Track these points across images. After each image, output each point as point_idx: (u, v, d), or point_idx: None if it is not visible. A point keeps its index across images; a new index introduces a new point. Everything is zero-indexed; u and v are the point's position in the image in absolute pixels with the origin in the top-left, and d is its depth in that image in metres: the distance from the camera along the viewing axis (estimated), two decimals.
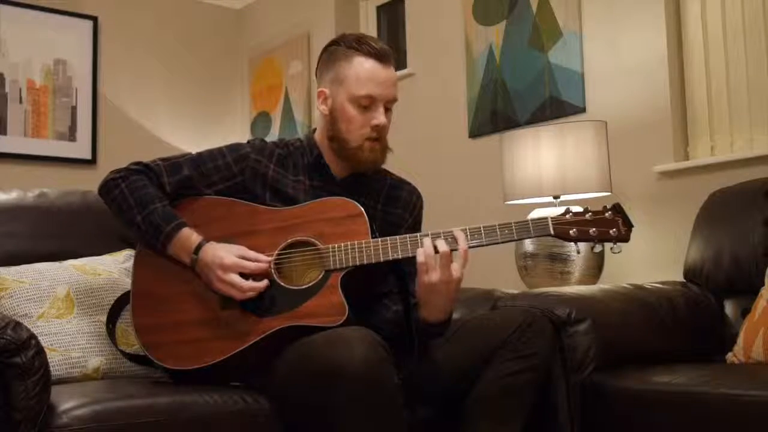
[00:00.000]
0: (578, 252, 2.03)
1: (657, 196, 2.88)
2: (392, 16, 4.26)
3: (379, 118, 1.81)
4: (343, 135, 1.83)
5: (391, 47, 1.88)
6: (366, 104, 1.81)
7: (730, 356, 2.06)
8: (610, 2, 3.07)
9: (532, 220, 1.73)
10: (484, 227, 1.72)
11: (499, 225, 1.71)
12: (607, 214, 1.74)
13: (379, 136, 1.83)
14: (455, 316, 1.89)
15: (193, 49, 4.87)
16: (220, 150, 1.89)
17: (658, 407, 1.78)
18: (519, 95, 3.35)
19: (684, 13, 2.91)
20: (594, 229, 1.73)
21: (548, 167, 2.69)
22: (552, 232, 1.72)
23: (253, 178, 1.86)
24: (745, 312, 2.12)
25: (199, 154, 1.89)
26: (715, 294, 2.33)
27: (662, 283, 2.37)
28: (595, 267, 2.72)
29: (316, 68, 1.92)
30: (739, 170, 2.58)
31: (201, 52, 4.90)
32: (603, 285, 2.37)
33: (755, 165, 2.58)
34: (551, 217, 1.73)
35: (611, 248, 1.74)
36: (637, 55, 2.97)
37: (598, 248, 1.77)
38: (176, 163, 1.87)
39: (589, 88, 3.12)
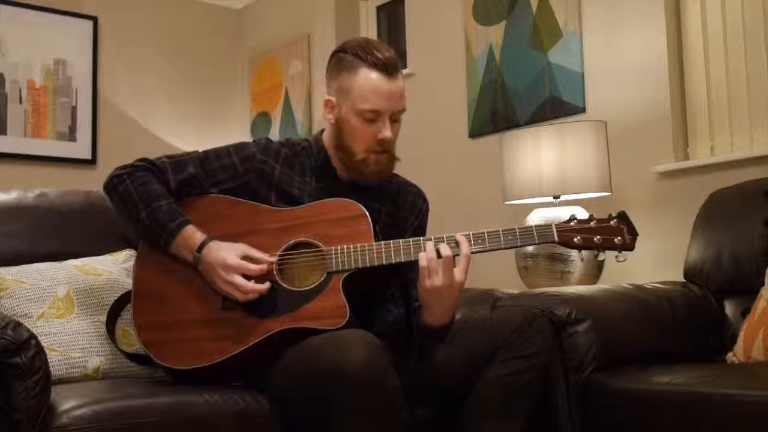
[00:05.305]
0: (582, 260, 2.01)
1: (657, 196, 2.88)
2: (392, 16, 4.26)
3: (385, 132, 1.78)
4: (349, 146, 1.81)
5: (391, 47, 1.86)
6: (371, 118, 1.78)
7: (730, 356, 2.06)
8: (610, 2, 3.07)
9: (537, 226, 1.71)
10: (487, 233, 1.71)
11: (502, 231, 1.70)
12: (612, 222, 1.72)
13: (385, 149, 1.81)
14: (455, 316, 1.88)
15: (193, 49, 4.86)
16: (226, 149, 1.88)
17: (658, 407, 1.78)
18: (519, 95, 3.35)
19: (684, 13, 2.91)
20: (598, 237, 1.71)
21: (548, 167, 2.69)
22: (556, 239, 1.71)
23: (258, 178, 1.85)
24: (745, 312, 2.12)
25: (205, 153, 1.88)
26: (715, 294, 2.33)
27: (662, 283, 2.37)
28: (595, 267, 2.72)
29: (325, 73, 1.89)
30: (739, 170, 2.58)
31: (201, 52, 4.89)
32: (603, 285, 2.37)
33: (755, 165, 2.58)
34: (555, 224, 1.72)
35: (616, 257, 1.71)
36: (637, 55, 2.97)
37: (602, 257, 1.73)
38: (182, 161, 1.86)
39: (589, 88, 3.12)
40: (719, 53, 2.81)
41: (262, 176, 1.85)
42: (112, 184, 1.84)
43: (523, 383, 1.70)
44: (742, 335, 2.04)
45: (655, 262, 2.81)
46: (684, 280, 2.42)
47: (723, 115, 2.79)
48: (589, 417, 1.93)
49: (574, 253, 2.64)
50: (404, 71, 3.77)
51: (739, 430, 1.64)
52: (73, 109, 4.39)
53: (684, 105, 2.90)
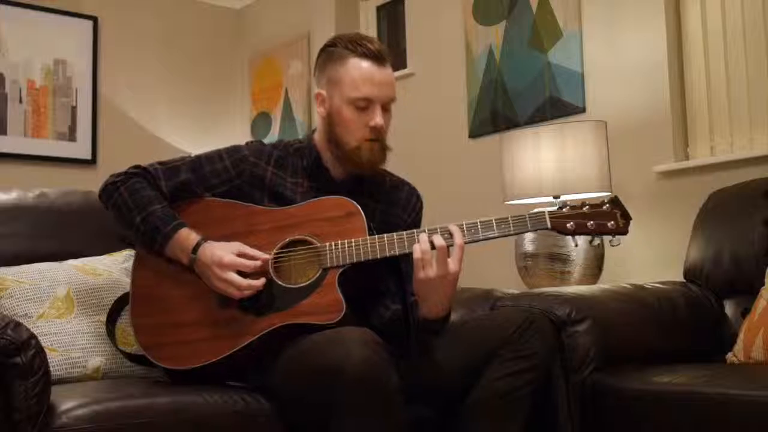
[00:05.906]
0: (576, 245, 2.02)
1: (657, 196, 2.88)
2: (392, 16, 4.26)
3: (377, 119, 1.80)
4: (342, 137, 1.82)
5: (390, 47, 1.87)
6: (363, 106, 1.80)
7: (730, 356, 2.06)
8: (610, 2, 3.07)
9: (530, 213, 1.73)
10: (480, 222, 1.72)
11: (495, 219, 1.71)
12: (605, 207, 1.74)
13: (377, 136, 1.82)
14: (455, 316, 1.88)
15: (193, 49, 4.87)
16: (218, 153, 1.89)
17: (658, 407, 1.78)
18: (519, 95, 3.35)
19: (684, 13, 2.91)
20: (592, 222, 1.72)
21: (548, 167, 2.69)
22: (549, 225, 1.72)
23: (251, 180, 1.85)
24: (745, 312, 2.12)
25: (198, 157, 1.89)
26: (715, 294, 2.33)
27: (662, 283, 2.37)
28: (595, 267, 2.72)
29: (314, 69, 1.92)
30: (739, 170, 2.58)
31: (201, 52, 4.89)
32: (603, 285, 2.37)
33: (755, 165, 2.58)
34: (548, 211, 1.73)
35: (610, 241, 1.73)
36: (637, 55, 2.97)
37: (596, 241, 1.77)
38: (174, 167, 1.87)
39: (589, 88, 3.12)
40: (719, 53, 2.81)
41: (255, 178, 1.85)
42: (106, 192, 1.85)
43: (523, 383, 1.70)
44: (742, 335, 2.04)
45: (655, 262, 2.81)
46: (684, 280, 2.41)
47: (723, 115, 2.79)
48: (588, 417, 1.93)
49: (574, 253, 2.65)
50: (404, 71, 3.81)
51: (739, 430, 1.64)
52: (73, 109, 4.39)
53: (684, 105, 2.90)
